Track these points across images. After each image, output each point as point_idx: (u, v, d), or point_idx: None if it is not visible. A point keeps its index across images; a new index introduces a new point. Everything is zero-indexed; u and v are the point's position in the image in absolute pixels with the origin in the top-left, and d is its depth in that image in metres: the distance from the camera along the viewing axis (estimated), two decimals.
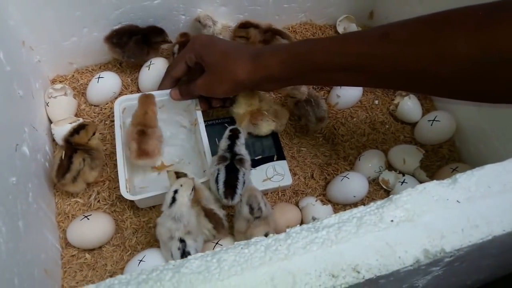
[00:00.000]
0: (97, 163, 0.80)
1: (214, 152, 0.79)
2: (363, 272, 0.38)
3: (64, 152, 0.77)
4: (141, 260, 0.70)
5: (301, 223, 0.80)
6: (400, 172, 0.87)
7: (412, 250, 0.39)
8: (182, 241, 0.67)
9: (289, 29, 1.09)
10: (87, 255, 0.76)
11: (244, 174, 0.73)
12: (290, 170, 0.86)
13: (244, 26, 0.97)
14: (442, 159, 0.91)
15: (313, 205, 0.80)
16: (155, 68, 0.92)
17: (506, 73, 0.52)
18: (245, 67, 0.73)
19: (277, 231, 0.70)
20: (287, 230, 0.41)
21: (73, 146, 0.78)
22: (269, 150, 0.87)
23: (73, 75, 0.97)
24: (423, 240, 0.40)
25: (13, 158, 0.66)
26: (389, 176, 0.86)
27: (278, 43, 0.96)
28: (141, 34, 0.92)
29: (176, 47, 0.94)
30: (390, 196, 0.43)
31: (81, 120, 0.86)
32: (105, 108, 0.93)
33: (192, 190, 0.68)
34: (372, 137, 0.94)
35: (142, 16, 0.92)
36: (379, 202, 0.42)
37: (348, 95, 0.95)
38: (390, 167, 0.89)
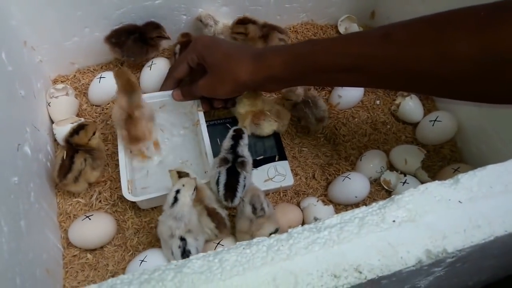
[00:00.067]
0: (99, 163, 0.80)
1: (215, 152, 0.79)
2: (365, 272, 0.38)
3: (65, 152, 0.77)
4: (142, 260, 0.70)
5: (303, 223, 0.80)
6: (401, 173, 0.87)
7: (414, 250, 0.39)
8: (182, 239, 0.67)
9: (290, 29, 1.09)
10: (88, 255, 0.76)
11: (245, 178, 0.73)
12: (291, 170, 0.86)
13: (243, 22, 0.96)
14: (444, 160, 0.91)
15: (314, 205, 0.80)
16: (156, 68, 0.92)
17: (508, 73, 0.52)
18: (247, 68, 0.73)
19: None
20: (289, 230, 0.41)
21: (74, 147, 0.78)
22: (270, 150, 0.87)
23: (74, 75, 0.97)
24: (425, 241, 0.40)
25: (15, 158, 0.66)
26: (390, 177, 0.86)
27: (279, 44, 0.96)
28: (138, 33, 0.91)
29: (178, 47, 0.93)
30: (392, 196, 0.43)
31: (82, 120, 0.86)
32: (107, 108, 0.93)
33: (194, 190, 0.68)
34: (374, 137, 0.93)
35: (144, 16, 0.92)
36: (381, 203, 0.42)
37: (349, 95, 0.95)
38: (391, 167, 0.89)
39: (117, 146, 0.81)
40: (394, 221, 0.41)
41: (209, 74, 0.78)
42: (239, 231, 0.73)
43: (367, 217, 0.41)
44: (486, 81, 0.55)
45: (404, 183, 0.83)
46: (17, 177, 0.64)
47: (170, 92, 0.86)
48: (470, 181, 0.43)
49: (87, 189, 0.82)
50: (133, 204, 0.81)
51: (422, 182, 0.83)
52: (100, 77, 0.91)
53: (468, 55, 0.53)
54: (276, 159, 0.86)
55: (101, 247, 0.78)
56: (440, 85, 0.60)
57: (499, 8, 0.53)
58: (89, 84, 0.94)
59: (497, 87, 0.55)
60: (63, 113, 0.87)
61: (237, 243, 0.40)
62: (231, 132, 0.76)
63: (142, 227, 0.79)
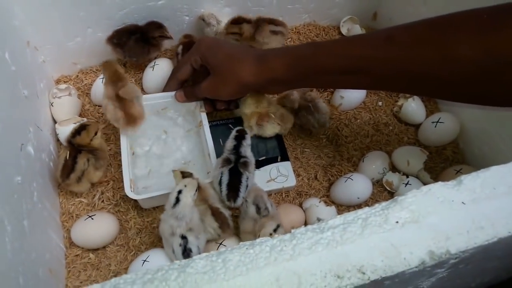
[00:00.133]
0: (102, 163, 0.81)
1: (218, 153, 0.79)
2: (369, 273, 0.38)
3: (68, 152, 0.78)
4: (145, 260, 0.70)
5: (305, 224, 0.80)
6: (404, 174, 0.87)
7: (417, 251, 0.39)
8: (183, 237, 0.67)
9: (292, 30, 1.09)
10: (91, 255, 0.77)
11: (247, 178, 0.73)
12: (293, 171, 0.86)
13: (237, 22, 0.96)
14: (446, 161, 0.90)
15: (316, 206, 0.80)
16: (159, 69, 0.93)
17: (510, 76, 0.52)
18: (250, 69, 0.73)
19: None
20: (292, 230, 0.41)
21: (77, 147, 0.78)
22: (273, 151, 0.87)
23: (77, 75, 0.97)
24: (428, 242, 0.40)
25: (18, 158, 0.66)
26: (393, 178, 0.86)
27: (279, 47, 0.95)
28: (140, 33, 0.92)
29: (180, 47, 0.94)
30: (395, 197, 0.43)
31: (85, 120, 0.86)
32: None
33: (196, 190, 0.68)
34: (376, 139, 0.93)
35: (146, 16, 0.92)
36: (384, 203, 0.42)
37: (351, 96, 0.95)
38: (394, 168, 0.89)
39: (119, 146, 0.81)
40: (397, 222, 0.41)
41: (212, 76, 0.78)
42: (243, 232, 0.73)
43: (370, 218, 0.41)
44: (488, 84, 0.55)
45: (406, 184, 0.83)
46: (20, 176, 0.64)
47: (173, 93, 0.87)
48: (473, 183, 0.43)
49: (90, 189, 0.82)
50: (136, 204, 0.81)
51: (425, 184, 0.83)
52: (103, 78, 0.91)
53: (471, 57, 0.53)
54: (279, 160, 0.86)
55: (104, 247, 0.78)
56: (442, 87, 0.60)
57: (502, 11, 0.53)
58: (91, 85, 0.94)
59: (499, 89, 0.55)
60: (66, 113, 0.88)
61: (240, 243, 0.40)
62: (233, 133, 0.77)
63: (144, 227, 0.80)
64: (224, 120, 0.91)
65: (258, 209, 0.70)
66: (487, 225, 0.41)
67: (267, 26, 0.96)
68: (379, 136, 0.94)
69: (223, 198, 0.73)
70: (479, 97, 0.60)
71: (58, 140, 0.87)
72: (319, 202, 0.81)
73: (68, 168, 0.77)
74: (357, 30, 1.07)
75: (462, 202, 0.42)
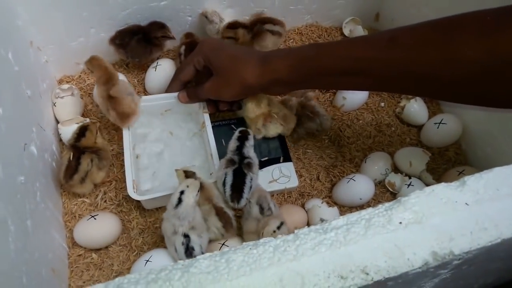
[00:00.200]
0: (105, 163, 0.81)
1: (221, 153, 0.79)
2: (372, 274, 0.38)
3: (72, 153, 0.78)
4: (147, 260, 0.70)
5: (307, 225, 0.80)
6: (406, 175, 0.87)
7: (420, 252, 0.39)
8: (186, 236, 0.67)
9: (295, 31, 1.09)
10: (93, 255, 0.77)
11: (251, 179, 0.73)
12: (296, 171, 0.86)
13: (233, 26, 0.95)
14: (449, 162, 0.90)
15: (319, 207, 0.80)
16: (161, 69, 0.93)
17: (509, 74, 0.52)
18: (253, 71, 0.73)
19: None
20: (296, 231, 0.41)
21: (81, 149, 0.78)
22: (275, 151, 0.87)
23: (80, 76, 0.97)
24: (431, 242, 0.40)
25: (22, 158, 0.66)
26: (395, 179, 0.86)
27: (283, 48, 0.95)
28: (142, 33, 0.92)
29: (183, 48, 0.93)
30: (399, 198, 0.43)
31: (88, 120, 0.87)
32: None
33: (198, 191, 0.68)
34: (378, 140, 0.93)
35: (149, 17, 0.92)
36: (387, 204, 0.43)
37: (354, 97, 0.95)
38: (396, 169, 0.89)
39: (122, 146, 0.81)
40: (400, 222, 0.41)
41: (215, 77, 0.78)
42: (246, 232, 0.73)
43: (373, 219, 0.41)
44: (491, 85, 0.55)
45: (409, 185, 0.83)
46: (23, 176, 0.64)
47: (176, 94, 0.87)
48: (476, 184, 0.44)
49: (92, 189, 0.82)
50: (138, 204, 0.81)
51: (427, 185, 0.83)
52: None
53: (474, 58, 0.53)
54: (281, 161, 0.86)
55: (106, 247, 0.78)
56: (444, 88, 0.60)
57: (505, 12, 0.53)
58: (94, 85, 0.94)
59: (502, 91, 0.55)
60: (68, 113, 0.88)
61: (244, 243, 0.40)
62: (236, 134, 0.77)
63: (147, 227, 0.80)
64: (226, 120, 0.91)
65: (261, 209, 0.70)
66: (490, 226, 0.41)
67: (265, 33, 0.95)
68: (382, 137, 0.94)
69: (227, 199, 0.73)
70: (481, 98, 0.60)
71: (60, 140, 0.87)
72: (322, 203, 0.81)
73: (71, 169, 0.77)
74: (360, 31, 1.07)
75: (466, 203, 0.42)
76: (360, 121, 0.96)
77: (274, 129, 0.85)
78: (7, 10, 0.73)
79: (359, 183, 0.82)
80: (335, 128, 0.94)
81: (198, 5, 0.95)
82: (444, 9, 0.59)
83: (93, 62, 0.81)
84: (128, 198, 0.80)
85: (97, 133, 0.81)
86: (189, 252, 0.67)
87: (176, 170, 0.72)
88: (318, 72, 0.69)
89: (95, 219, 0.76)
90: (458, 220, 0.41)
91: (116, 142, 0.88)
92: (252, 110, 0.84)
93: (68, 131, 0.83)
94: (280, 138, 0.89)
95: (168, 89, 0.88)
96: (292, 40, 1.08)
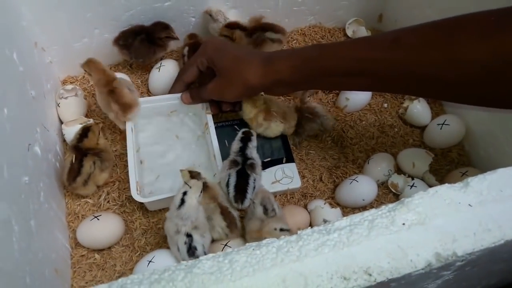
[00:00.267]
0: (107, 164, 0.81)
1: (224, 154, 0.79)
2: (375, 275, 0.38)
3: (74, 155, 0.78)
4: (150, 261, 0.70)
5: (310, 225, 0.80)
6: (409, 176, 0.87)
7: (424, 253, 0.39)
8: (189, 235, 0.67)
9: (298, 31, 1.09)
10: (96, 255, 0.77)
11: (255, 180, 0.73)
12: (299, 172, 0.86)
13: (231, 26, 0.95)
14: (452, 163, 0.90)
15: (321, 208, 0.80)
16: (165, 70, 0.93)
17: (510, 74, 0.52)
18: (256, 71, 0.73)
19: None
20: (299, 232, 0.41)
21: (84, 151, 0.79)
22: (278, 152, 0.88)
23: (83, 76, 0.98)
24: (435, 244, 0.40)
25: (26, 158, 0.66)
26: (398, 180, 0.86)
27: (286, 49, 0.95)
28: (145, 33, 0.92)
29: (186, 49, 0.94)
30: (402, 199, 0.43)
31: (91, 120, 0.87)
32: None
33: (201, 192, 0.68)
34: (381, 141, 0.93)
35: (153, 18, 0.92)
36: (390, 205, 0.42)
37: (357, 98, 0.95)
38: (399, 170, 0.89)
39: (125, 147, 0.81)
40: (403, 224, 0.41)
41: (218, 77, 0.78)
42: (249, 232, 0.73)
43: (376, 220, 0.41)
44: (494, 86, 0.55)
45: (411, 186, 0.83)
46: (27, 177, 0.64)
47: (179, 95, 0.87)
48: (480, 185, 0.43)
49: (96, 189, 0.83)
50: (141, 205, 0.81)
51: (430, 186, 0.83)
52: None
53: (477, 59, 0.53)
54: (284, 161, 0.86)
55: (109, 248, 0.78)
56: (448, 89, 0.60)
57: (508, 13, 0.53)
58: None
59: (506, 91, 0.55)
60: (72, 113, 0.88)
61: (247, 244, 0.40)
62: (239, 134, 0.77)
63: (150, 227, 0.80)
64: (229, 121, 0.91)
65: (265, 210, 0.70)
66: (494, 228, 0.40)
67: (266, 42, 0.95)
68: (385, 138, 0.94)
69: (231, 200, 0.73)
70: (484, 99, 0.60)
71: (64, 140, 0.87)
72: (324, 204, 0.81)
73: (74, 171, 0.77)
74: (363, 32, 1.07)
75: (469, 204, 0.42)
76: (363, 122, 0.96)
77: (275, 128, 0.85)
78: (11, 11, 0.74)
79: (362, 184, 0.82)
80: (338, 129, 0.94)
81: (202, 6, 0.95)
82: (447, 10, 0.59)
83: (90, 65, 0.81)
84: (131, 199, 0.80)
85: (99, 134, 0.81)
86: (191, 251, 0.67)
87: (181, 170, 0.72)
88: (321, 73, 0.69)
89: (98, 219, 0.76)
90: (461, 221, 0.41)
91: (120, 143, 0.89)
92: (249, 111, 0.84)
93: (71, 132, 0.83)
94: (283, 138, 0.89)
95: (171, 90, 0.88)
96: (295, 41, 1.08)
